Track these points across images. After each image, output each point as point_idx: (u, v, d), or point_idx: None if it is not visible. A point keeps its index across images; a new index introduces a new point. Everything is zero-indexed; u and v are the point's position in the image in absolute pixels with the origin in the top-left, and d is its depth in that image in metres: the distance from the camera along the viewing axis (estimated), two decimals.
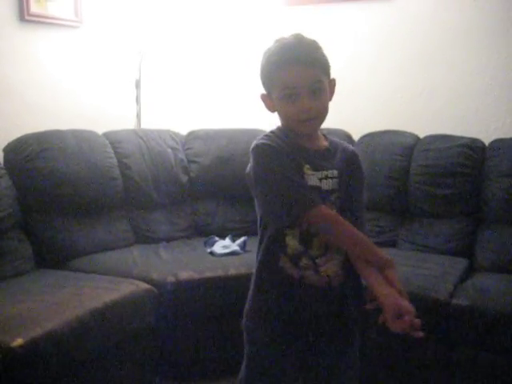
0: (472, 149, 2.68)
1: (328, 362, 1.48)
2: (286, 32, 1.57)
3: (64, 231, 2.55)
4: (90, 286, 2.15)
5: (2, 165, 2.48)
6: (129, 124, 3.15)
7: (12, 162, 2.52)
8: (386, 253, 1.41)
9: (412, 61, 2.99)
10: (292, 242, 1.42)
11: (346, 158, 1.50)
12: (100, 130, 2.87)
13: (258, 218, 1.49)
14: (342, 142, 1.56)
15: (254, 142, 1.45)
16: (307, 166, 1.44)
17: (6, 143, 2.56)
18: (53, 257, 2.49)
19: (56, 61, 2.88)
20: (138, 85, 3.19)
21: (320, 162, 1.46)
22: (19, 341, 1.68)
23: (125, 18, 3.17)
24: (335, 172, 1.46)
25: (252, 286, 1.51)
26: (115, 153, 2.81)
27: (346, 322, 1.47)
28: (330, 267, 1.43)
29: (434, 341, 2.12)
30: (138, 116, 3.20)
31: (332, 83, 1.47)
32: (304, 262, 1.42)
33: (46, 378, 1.77)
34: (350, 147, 1.55)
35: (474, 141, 2.71)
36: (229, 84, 3.39)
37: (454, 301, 2.07)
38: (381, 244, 2.71)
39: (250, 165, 1.46)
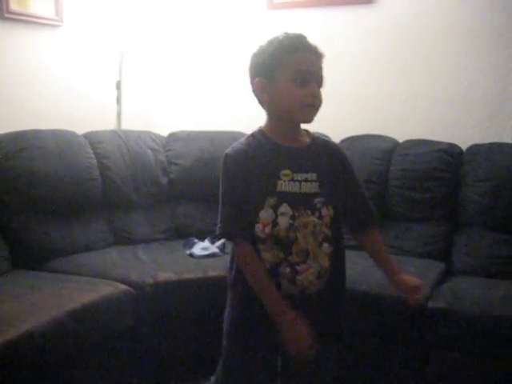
0: (450, 154, 2.71)
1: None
2: (268, 35, 1.58)
3: (41, 231, 2.52)
4: (68, 287, 2.13)
5: None
6: (109, 125, 3.13)
7: None
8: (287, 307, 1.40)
9: (391, 65, 3.02)
10: (267, 255, 1.43)
11: (328, 156, 1.50)
12: (80, 130, 2.84)
13: None
14: (323, 138, 1.57)
15: (228, 149, 1.47)
16: (285, 171, 1.43)
17: None
18: (30, 257, 2.46)
19: (36, 60, 2.85)
20: (118, 86, 3.18)
21: (300, 162, 1.45)
22: None
23: (106, 19, 3.15)
24: (314, 175, 1.44)
25: (230, 295, 1.53)
26: (95, 153, 2.79)
27: (323, 329, 1.46)
28: (307, 276, 1.43)
29: (409, 343, 2.14)
30: (119, 117, 3.19)
31: None
32: (282, 270, 1.43)
33: (22, 379, 1.75)
34: (332, 143, 1.58)
35: (452, 146, 2.75)
36: (211, 86, 3.39)
37: (431, 304, 2.10)
38: (358, 247, 2.73)
39: None
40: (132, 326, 2.21)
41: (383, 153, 2.82)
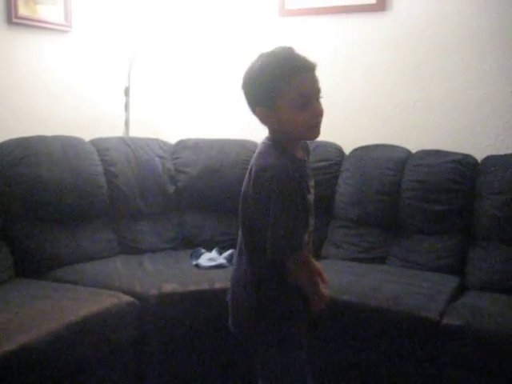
0: (464, 165, 2.64)
1: None
2: (279, 42, 1.54)
3: (46, 240, 2.47)
4: (70, 297, 2.08)
5: None
6: (117, 132, 3.09)
7: None
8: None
9: (405, 74, 2.96)
10: None
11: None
12: (88, 136, 2.81)
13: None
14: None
15: (269, 172, 1.41)
16: (311, 183, 1.54)
17: None
18: (33, 266, 2.42)
19: (44, 65, 2.82)
20: (127, 92, 3.13)
21: (309, 173, 1.56)
22: None
23: (115, 25, 3.13)
24: (313, 182, 1.56)
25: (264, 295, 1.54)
26: (102, 160, 2.75)
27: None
28: None
29: (422, 362, 2.06)
30: (127, 124, 3.15)
31: None
32: None
33: None
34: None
35: (467, 157, 2.67)
36: (219, 93, 3.35)
37: (445, 320, 2.02)
38: (370, 260, 2.68)
39: (253, 187, 1.45)
40: (136, 339, 2.15)
41: (396, 163, 2.75)
